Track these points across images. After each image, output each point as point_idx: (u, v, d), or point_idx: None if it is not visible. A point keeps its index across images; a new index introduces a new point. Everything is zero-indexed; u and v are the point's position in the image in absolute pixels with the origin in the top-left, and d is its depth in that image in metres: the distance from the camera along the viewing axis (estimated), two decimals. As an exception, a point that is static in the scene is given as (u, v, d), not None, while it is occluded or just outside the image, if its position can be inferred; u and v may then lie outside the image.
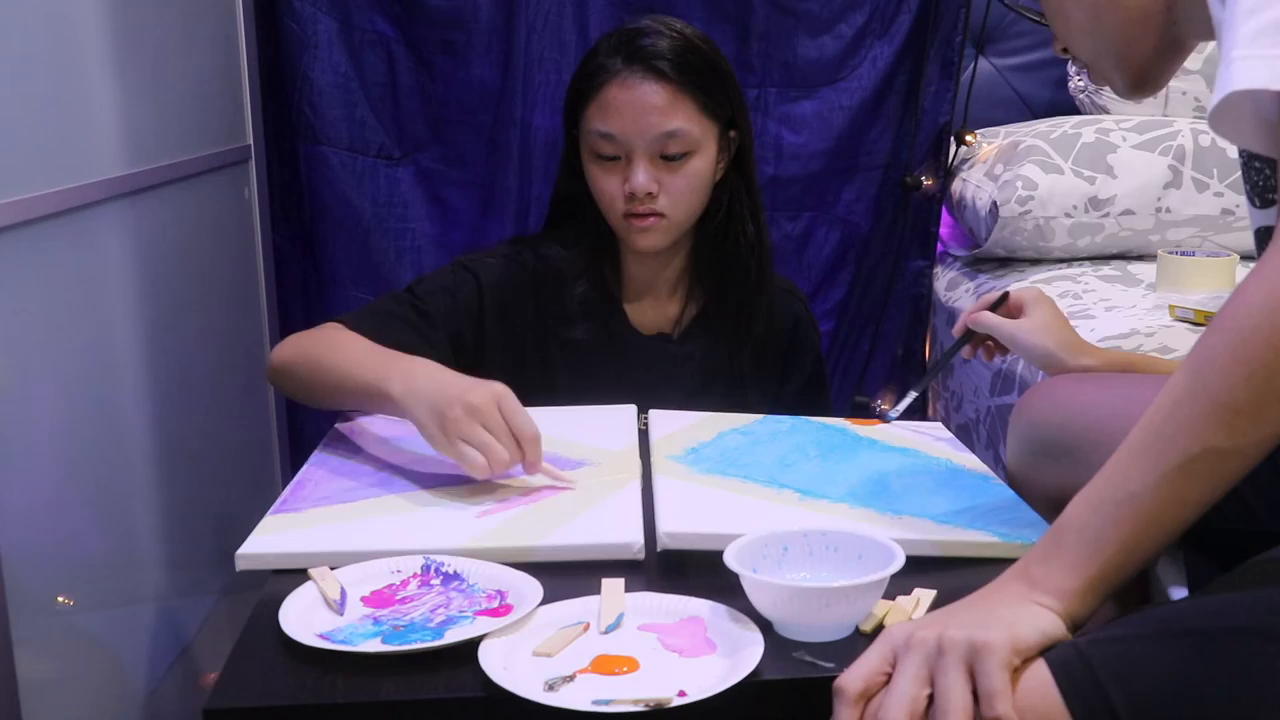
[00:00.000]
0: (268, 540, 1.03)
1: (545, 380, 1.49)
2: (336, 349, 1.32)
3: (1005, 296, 1.31)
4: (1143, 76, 1.00)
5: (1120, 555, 0.75)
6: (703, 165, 1.44)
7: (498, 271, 1.49)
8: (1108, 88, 1.01)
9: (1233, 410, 0.71)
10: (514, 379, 1.46)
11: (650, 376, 1.50)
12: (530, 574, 0.95)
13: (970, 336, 1.32)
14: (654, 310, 1.55)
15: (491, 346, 1.48)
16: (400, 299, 1.45)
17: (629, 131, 1.40)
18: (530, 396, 1.40)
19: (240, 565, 1.01)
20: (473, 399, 1.13)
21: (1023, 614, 0.74)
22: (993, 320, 1.28)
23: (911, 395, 1.31)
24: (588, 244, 1.50)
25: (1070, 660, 0.71)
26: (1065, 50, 1.04)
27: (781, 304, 1.58)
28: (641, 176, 1.40)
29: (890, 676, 0.74)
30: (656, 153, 1.41)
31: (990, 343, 1.32)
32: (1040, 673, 0.71)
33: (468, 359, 1.46)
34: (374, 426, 1.34)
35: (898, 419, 1.33)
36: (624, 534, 1.03)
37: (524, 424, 1.14)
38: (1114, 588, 0.76)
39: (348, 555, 0.99)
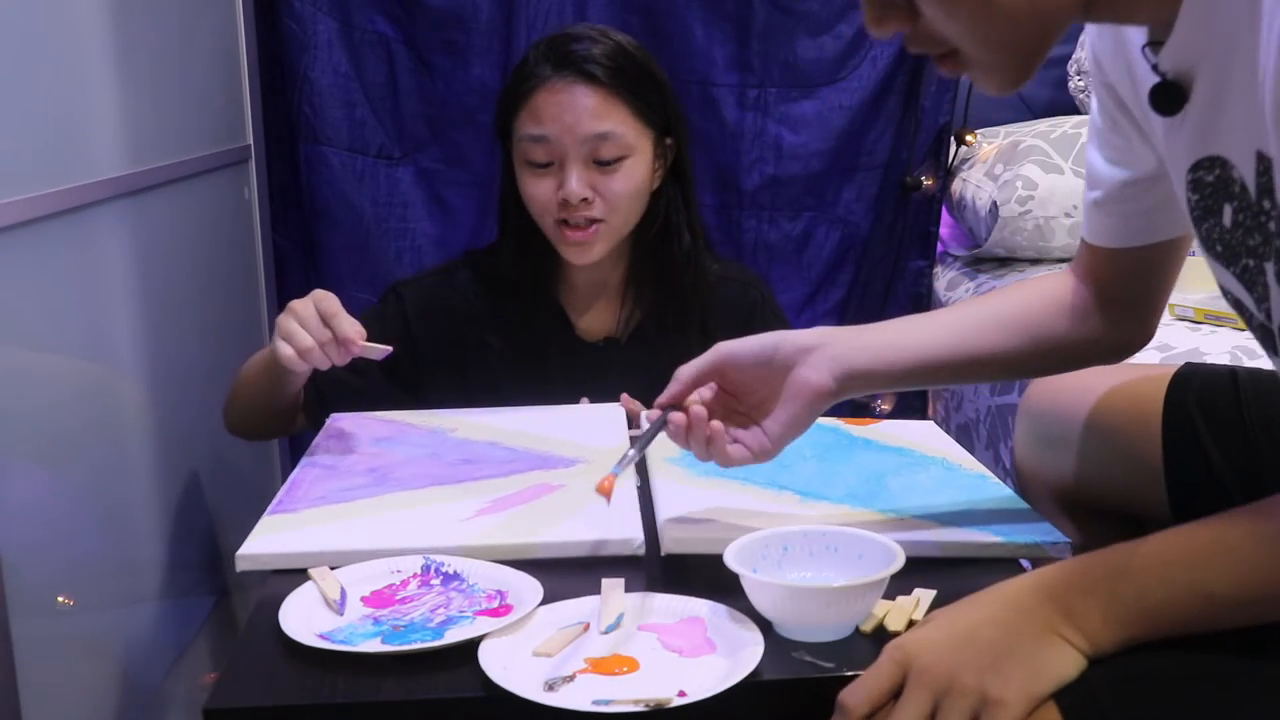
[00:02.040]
0: (267, 540, 1.03)
1: (491, 393, 1.49)
2: (247, 365, 1.45)
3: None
4: (1030, 68, 0.81)
5: (1172, 631, 0.73)
6: (638, 170, 1.42)
7: (427, 292, 1.51)
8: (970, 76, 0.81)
9: None
10: (459, 393, 1.49)
11: (599, 383, 1.49)
12: (530, 574, 0.95)
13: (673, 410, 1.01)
14: (600, 315, 1.54)
15: (429, 364, 1.49)
16: None
17: (561, 134, 1.38)
18: (478, 407, 1.41)
19: (240, 566, 1.01)
20: (293, 303, 1.25)
21: (1046, 657, 0.72)
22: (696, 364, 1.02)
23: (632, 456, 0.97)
24: (532, 253, 1.49)
25: (1086, 711, 0.70)
26: (893, 31, 0.80)
27: (732, 296, 1.56)
28: (574, 183, 1.38)
29: (893, 693, 0.72)
30: (589, 157, 1.39)
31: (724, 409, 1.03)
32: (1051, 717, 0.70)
33: (407, 378, 1.50)
34: (365, 427, 1.34)
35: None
36: (623, 530, 1.03)
37: (329, 306, 1.23)
38: (1148, 642, 0.74)
39: (349, 554, 0.99)
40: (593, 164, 1.40)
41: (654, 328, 1.52)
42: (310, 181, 2.04)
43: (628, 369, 1.51)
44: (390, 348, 1.25)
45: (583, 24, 1.48)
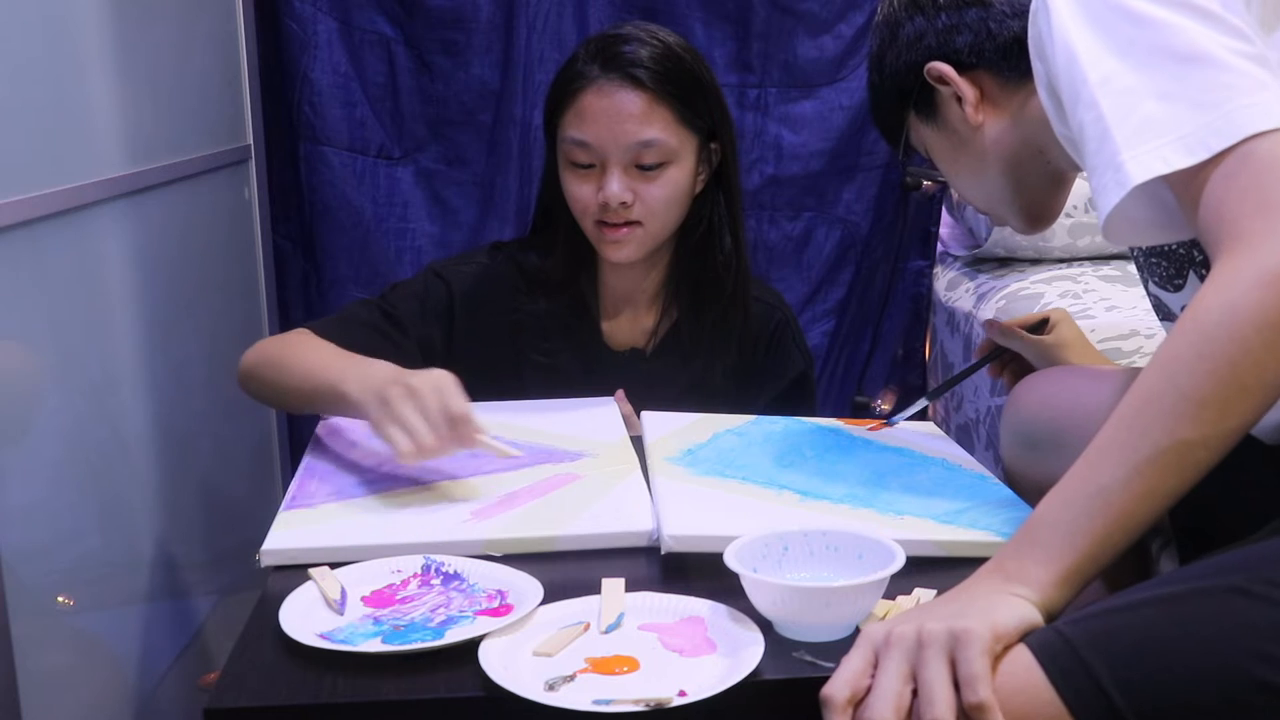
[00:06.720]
0: (289, 535, 1.03)
1: (516, 391, 1.48)
2: (300, 353, 1.32)
3: (1045, 322, 1.35)
4: (1035, 213, 1.14)
5: (1093, 547, 0.77)
6: (680, 176, 1.41)
7: (470, 281, 1.48)
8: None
9: (1200, 404, 0.75)
10: (484, 387, 1.46)
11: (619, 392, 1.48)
12: (530, 573, 0.95)
13: (996, 355, 1.38)
14: (629, 323, 1.53)
15: (461, 355, 1.47)
16: (370, 305, 1.45)
17: (603, 139, 1.38)
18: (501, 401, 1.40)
19: (265, 561, 1.01)
20: (413, 381, 1.12)
21: (1000, 603, 0.76)
22: (1022, 335, 1.33)
23: (922, 403, 1.34)
24: (567, 253, 1.48)
25: (1050, 640, 0.73)
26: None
27: (759, 316, 1.54)
28: (615, 185, 1.38)
29: (869, 674, 0.74)
30: (631, 162, 1.39)
31: (1014, 367, 1.36)
32: (1022, 655, 0.73)
33: (438, 362, 1.45)
34: (359, 424, 1.33)
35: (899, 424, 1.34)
36: (640, 521, 1.05)
37: (454, 405, 1.10)
38: (1088, 579, 0.78)
39: (371, 549, 1.00)
40: (634, 168, 1.39)
41: (689, 335, 1.51)
42: (310, 181, 2.05)
43: (651, 381, 1.49)
44: (520, 454, 1.16)
45: (635, 23, 1.45)
